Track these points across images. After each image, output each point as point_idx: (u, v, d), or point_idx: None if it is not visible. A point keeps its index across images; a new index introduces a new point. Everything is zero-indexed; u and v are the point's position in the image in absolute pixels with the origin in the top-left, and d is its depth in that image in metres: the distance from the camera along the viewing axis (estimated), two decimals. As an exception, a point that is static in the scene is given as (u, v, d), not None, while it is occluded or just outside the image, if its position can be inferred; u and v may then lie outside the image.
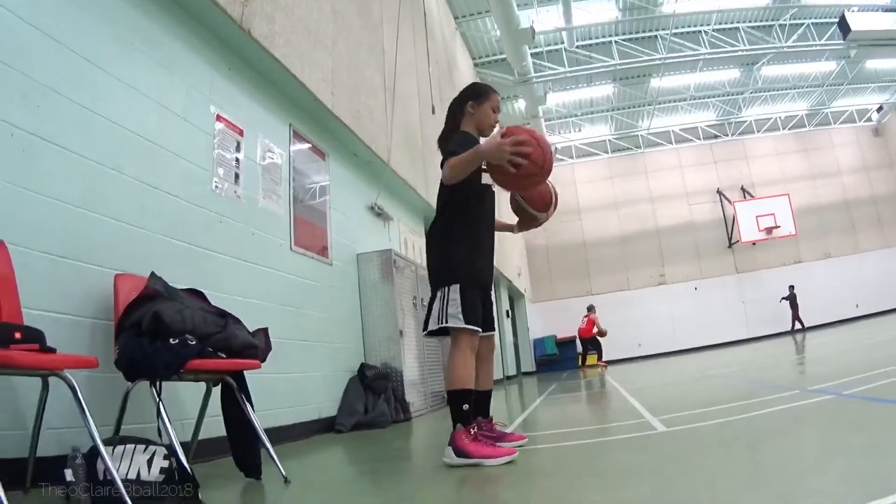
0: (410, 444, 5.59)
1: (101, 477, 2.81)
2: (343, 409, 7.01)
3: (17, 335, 2.77)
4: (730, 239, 25.41)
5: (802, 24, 19.16)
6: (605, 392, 9.42)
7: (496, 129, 4.14)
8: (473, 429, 3.75)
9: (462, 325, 3.80)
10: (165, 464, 2.97)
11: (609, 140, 26.59)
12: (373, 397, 7.31)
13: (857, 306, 23.70)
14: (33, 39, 3.61)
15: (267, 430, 5.22)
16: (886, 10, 18.21)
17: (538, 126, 21.50)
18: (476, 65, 19.06)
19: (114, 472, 2.77)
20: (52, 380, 2.97)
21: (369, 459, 4.83)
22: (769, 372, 8.06)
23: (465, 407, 3.76)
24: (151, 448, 3.02)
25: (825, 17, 19.14)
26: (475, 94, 4.28)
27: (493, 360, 4.33)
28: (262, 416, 5.20)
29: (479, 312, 3.95)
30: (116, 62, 4.28)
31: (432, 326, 3.93)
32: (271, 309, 5.89)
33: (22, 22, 3.53)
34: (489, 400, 4.27)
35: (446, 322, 3.83)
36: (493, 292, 4.42)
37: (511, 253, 21.12)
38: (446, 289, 3.90)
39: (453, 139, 4.04)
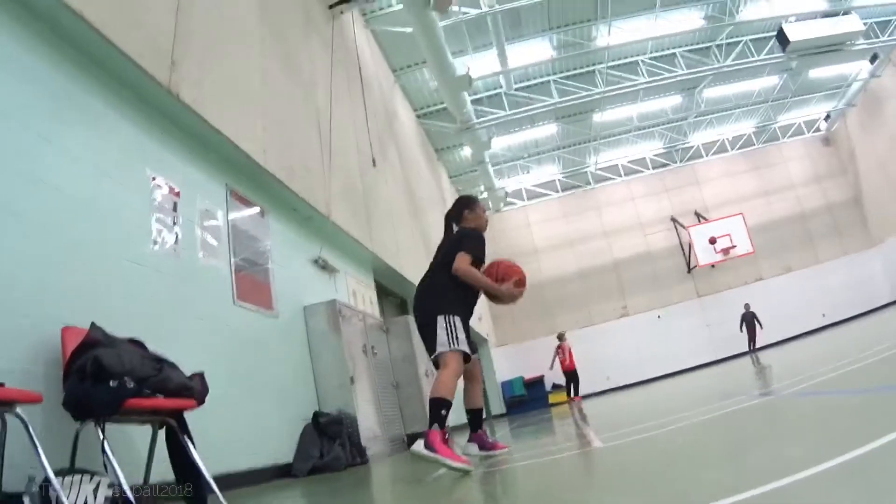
0: (362, 480, 5.85)
1: None
2: (299, 454, 7.17)
3: None
4: (688, 264, 25.86)
5: (740, 42, 19.50)
6: (564, 422, 9.65)
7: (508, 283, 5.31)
8: (446, 433, 4.54)
9: (466, 350, 4.85)
10: (109, 493, 3.22)
11: (559, 179, 27.05)
12: (328, 442, 7.47)
13: (823, 316, 24.04)
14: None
15: (223, 476, 5.48)
16: (825, 16, 18.44)
17: (485, 171, 21.93)
18: (418, 116, 19.39)
19: (64, 499, 3.01)
20: (9, 419, 3.22)
21: (318, 494, 5.13)
22: (724, 385, 8.36)
23: (444, 412, 4.58)
24: (97, 478, 3.29)
25: (762, 32, 19.42)
26: (468, 204, 5.68)
27: (480, 379, 5.61)
28: (218, 464, 5.45)
29: (469, 341, 4.96)
30: (55, 130, 4.62)
31: (442, 349, 4.82)
32: (217, 361, 6.05)
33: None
34: (482, 415, 5.54)
35: (458, 346, 4.80)
36: None
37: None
38: (451, 318, 4.90)
39: (476, 237, 5.32)
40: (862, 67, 22.97)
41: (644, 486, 2.42)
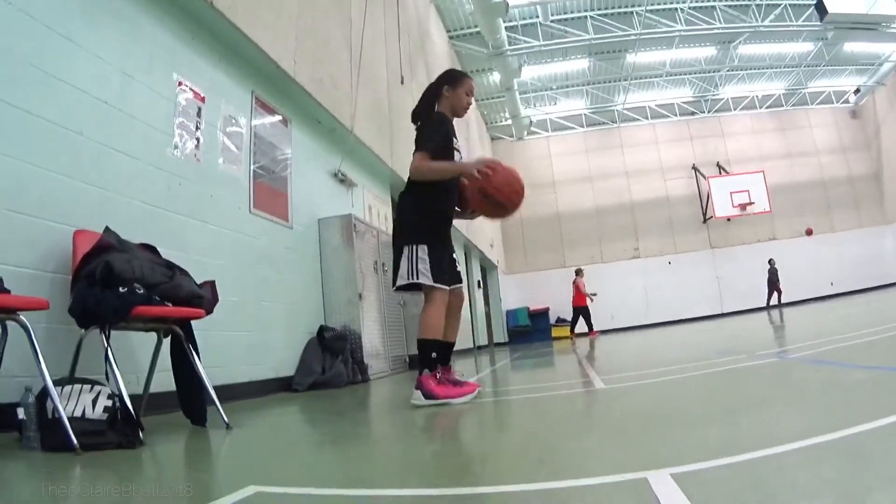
0: (360, 400, 5.82)
1: (49, 416, 3.05)
2: (300, 368, 7.25)
3: None
4: (704, 215, 25.65)
5: (780, 5, 19.19)
6: (565, 359, 9.69)
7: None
8: (438, 374, 4.31)
9: (431, 283, 4.30)
10: (109, 403, 3.21)
11: (585, 114, 26.65)
12: (330, 358, 7.53)
13: (832, 284, 24.11)
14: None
15: (223, 387, 5.53)
16: (866, -6, 18.04)
17: (512, 99, 21.65)
18: (451, 37, 19.06)
19: (61, 409, 2.99)
20: (10, 326, 3.20)
21: (314, 410, 5.14)
22: (728, 341, 8.35)
23: (433, 355, 4.31)
24: (97, 388, 3.26)
25: None
26: (451, 80, 4.71)
27: (460, 313, 4.75)
28: (218, 373, 5.52)
29: (445, 270, 4.43)
30: (81, 32, 4.48)
31: (401, 282, 4.37)
32: (228, 268, 6.11)
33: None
34: (451, 350, 4.71)
35: (416, 278, 4.29)
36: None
37: (483, 224, 21.29)
38: (414, 247, 4.34)
39: (430, 124, 4.52)
40: (895, 49, 22.66)
41: (622, 438, 2.42)
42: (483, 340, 21.70)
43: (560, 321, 24.25)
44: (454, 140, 4.58)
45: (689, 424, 2.52)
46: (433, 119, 4.58)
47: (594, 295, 19.78)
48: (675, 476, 1.60)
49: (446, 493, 1.80)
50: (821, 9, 17.63)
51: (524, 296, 25.36)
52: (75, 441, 2.93)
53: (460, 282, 4.67)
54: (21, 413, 3.07)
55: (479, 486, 1.85)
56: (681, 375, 4.68)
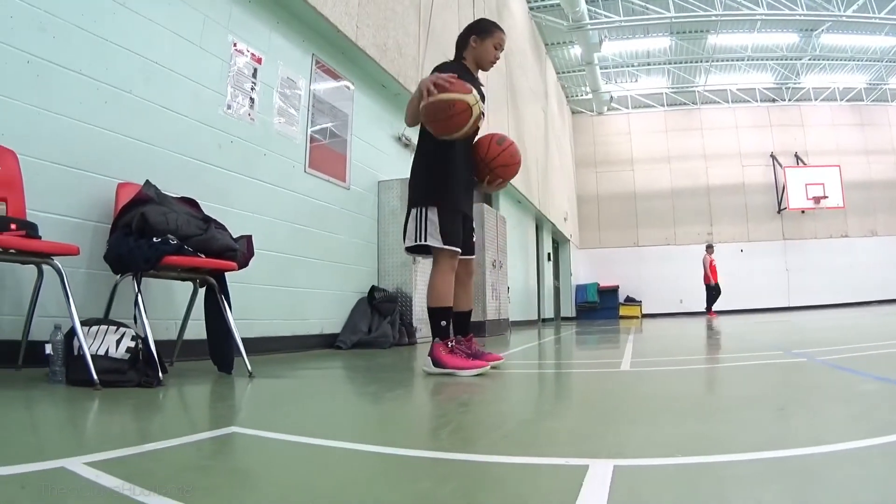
0: (399, 361, 5.83)
1: (75, 352, 3.31)
2: (347, 327, 7.44)
3: (13, 226, 3.27)
4: (779, 205, 24.93)
5: None
6: (615, 338, 9.67)
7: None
8: (450, 342, 4.19)
9: (440, 245, 4.13)
10: (132, 344, 3.43)
11: (665, 93, 26.05)
12: (378, 319, 7.68)
13: None
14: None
15: (265, 339, 5.78)
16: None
17: (592, 73, 21.40)
18: (531, 8, 18.83)
19: (85, 347, 3.24)
20: (46, 270, 3.48)
21: (345, 367, 5.24)
22: (772, 335, 8.21)
23: (443, 323, 4.19)
24: (122, 330, 3.49)
25: None
26: (479, 30, 4.53)
27: (471, 283, 4.64)
28: (261, 325, 5.76)
29: (459, 234, 4.23)
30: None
31: (408, 243, 4.27)
32: (280, 226, 6.33)
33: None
34: (469, 319, 4.58)
35: (425, 240, 4.14)
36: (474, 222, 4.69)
37: (558, 197, 21.22)
38: (423, 209, 4.18)
39: (433, 72, 4.19)
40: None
41: (601, 422, 2.43)
42: (549, 314, 21.68)
43: (629, 300, 24.13)
44: None
45: (673, 418, 2.50)
46: (441, 66, 4.34)
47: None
48: (617, 468, 1.60)
49: (404, 452, 1.88)
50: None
51: (595, 272, 25.22)
52: (96, 377, 3.16)
53: (472, 253, 4.52)
54: (49, 349, 3.34)
55: (437, 452, 1.90)
56: (705, 366, 4.67)
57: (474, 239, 4.59)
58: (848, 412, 2.45)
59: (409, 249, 4.35)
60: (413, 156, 4.47)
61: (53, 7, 4.03)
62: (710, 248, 20.35)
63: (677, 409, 2.72)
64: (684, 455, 1.73)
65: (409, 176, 4.46)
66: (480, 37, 4.48)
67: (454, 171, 4.28)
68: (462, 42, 4.55)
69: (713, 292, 19.85)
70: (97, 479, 1.49)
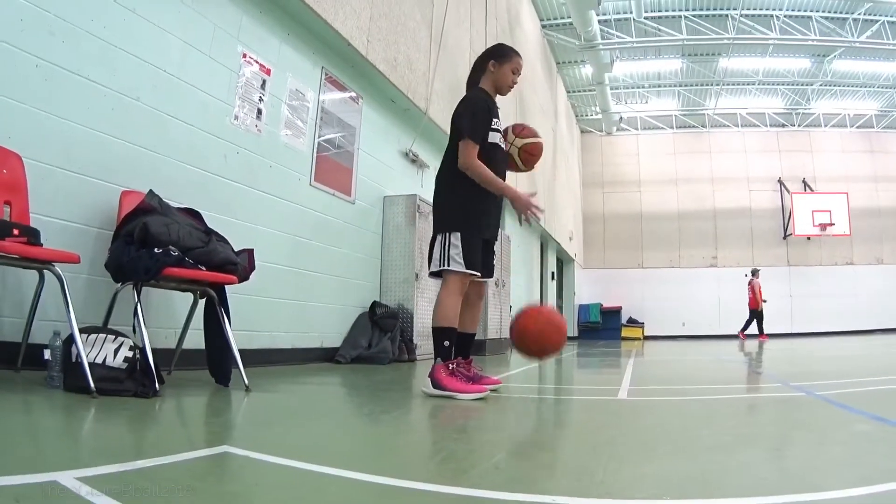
0: (397, 378, 5.81)
1: (73, 359, 3.31)
2: (347, 341, 7.42)
3: (16, 231, 3.28)
4: (785, 230, 24.81)
5: (878, 21, 18.28)
6: (616, 362, 9.66)
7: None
8: (452, 364, 4.17)
9: (463, 269, 4.15)
10: (130, 354, 3.43)
11: (675, 115, 26.03)
12: (379, 334, 7.67)
13: None
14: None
15: (265, 351, 5.78)
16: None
17: (603, 93, 21.44)
18: (544, 26, 18.87)
19: (83, 355, 3.25)
20: (48, 275, 3.50)
21: (343, 384, 5.24)
22: (773, 364, 8.19)
23: (446, 343, 4.15)
24: (120, 339, 3.49)
25: None
26: (498, 55, 4.56)
27: (480, 306, 4.68)
28: (261, 337, 5.76)
29: (478, 258, 4.26)
30: (144, 3, 4.71)
31: (434, 268, 4.29)
32: (283, 238, 6.34)
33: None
34: (471, 343, 4.58)
35: (448, 265, 4.16)
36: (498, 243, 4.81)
37: (564, 216, 21.21)
38: (447, 235, 4.21)
39: (469, 106, 4.34)
40: None
41: (589, 457, 2.42)
42: (551, 332, 21.59)
43: (631, 321, 24.09)
44: (495, 120, 4.39)
45: (665, 454, 2.48)
46: (472, 99, 4.40)
47: (765, 301, 19.91)
48: None
49: (393, 483, 1.86)
50: (920, 29, 16.74)
51: (598, 292, 25.13)
52: (92, 384, 3.17)
53: (490, 276, 4.55)
54: (47, 354, 3.36)
55: (427, 483, 1.87)
56: (702, 398, 4.59)
57: (494, 262, 4.64)
58: (842, 455, 2.43)
59: (433, 274, 4.39)
60: (438, 176, 4.51)
61: (63, 11, 4.04)
62: (756, 273, 20.49)
63: (670, 445, 2.70)
64: (671, 498, 1.72)
65: (433, 195, 4.51)
66: (499, 61, 4.51)
67: (482, 197, 4.32)
68: (480, 66, 4.58)
69: (758, 316, 19.94)
70: (88, 497, 1.49)
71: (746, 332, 20.04)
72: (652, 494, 1.78)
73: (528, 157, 4.70)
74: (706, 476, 2.07)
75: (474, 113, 4.28)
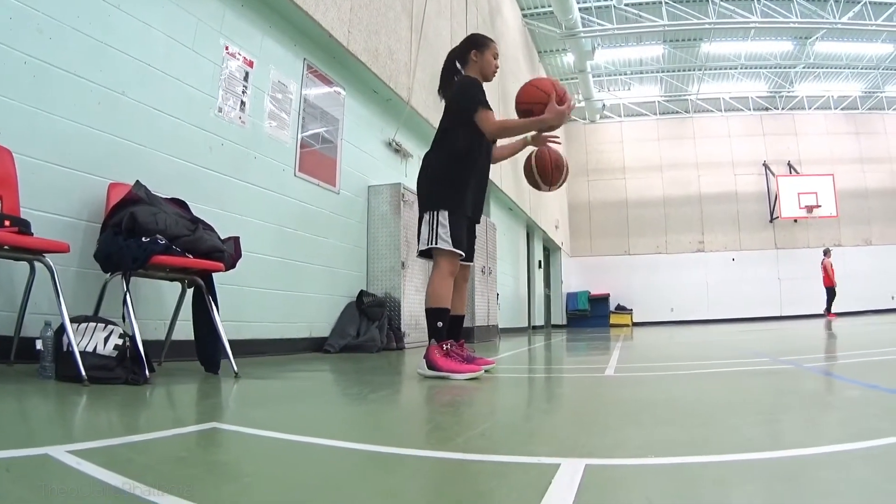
0: (386, 365, 5.83)
1: (64, 349, 3.36)
2: (335, 330, 7.47)
3: (7, 223, 3.34)
4: (771, 213, 24.97)
5: (859, 2, 18.34)
6: (605, 345, 9.72)
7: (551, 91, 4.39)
8: (446, 345, 4.22)
9: (450, 248, 4.22)
10: (119, 342, 3.48)
11: (658, 101, 26.14)
12: (367, 323, 7.72)
13: (892, 298, 23.17)
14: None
15: (253, 341, 5.81)
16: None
17: (585, 81, 21.48)
18: (525, 15, 18.94)
19: (74, 344, 3.31)
20: (38, 268, 3.55)
21: (332, 370, 5.27)
22: (759, 344, 8.24)
23: (440, 324, 4.22)
24: (110, 327, 3.54)
25: None
26: (477, 44, 4.64)
27: (466, 288, 4.76)
28: (250, 328, 5.80)
29: (464, 239, 4.35)
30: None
31: (422, 247, 4.34)
32: (270, 229, 6.38)
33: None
34: (461, 324, 4.64)
35: (436, 244, 4.23)
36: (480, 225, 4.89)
37: (549, 205, 21.26)
38: (435, 213, 4.29)
39: (470, 87, 4.41)
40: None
41: (579, 423, 2.47)
42: (540, 321, 21.72)
43: (620, 308, 24.20)
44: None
45: (651, 421, 2.50)
46: (470, 82, 4.45)
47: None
48: (589, 467, 1.61)
49: (380, 449, 1.92)
50: (902, 8, 16.76)
51: (586, 280, 25.23)
52: (84, 373, 3.24)
53: (471, 260, 4.62)
54: (39, 344, 3.41)
55: (413, 449, 1.94)
56: (688, 372, 4.65)
57: (475, 246, 4.72)
58: (832, 417, 2.49)
59: (422, 253, 4.44)
60: (424, 160, 4.59)
61: (51, 9, 4.10)
62: (828, 253, 20.77)
63: (655, 413, 2.74)
64: (657, 456, 1.76)
65: (417, 181, 4.59)
66: (480, 50, 4.61)
67: (469, 179, 4.45)
68: (463, 59, 4.66)
69: (832, 294, 20.34)
70: (78, 466, 1.54)
71: (832, 310, 20.42)
72: (635, 454, 1.81)
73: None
74: (692, 438, 2.10)
75: (477, 87, 4.39)
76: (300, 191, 6.97)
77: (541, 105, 4.27)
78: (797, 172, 24.90)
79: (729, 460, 1.69)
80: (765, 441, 2.02)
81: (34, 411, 2.62)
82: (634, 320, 23.71)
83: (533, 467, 1.66)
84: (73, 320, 3.44)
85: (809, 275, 22.79)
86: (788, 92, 25.18)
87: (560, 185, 4.96)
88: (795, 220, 24.52)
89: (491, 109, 4.30)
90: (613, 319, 23.71)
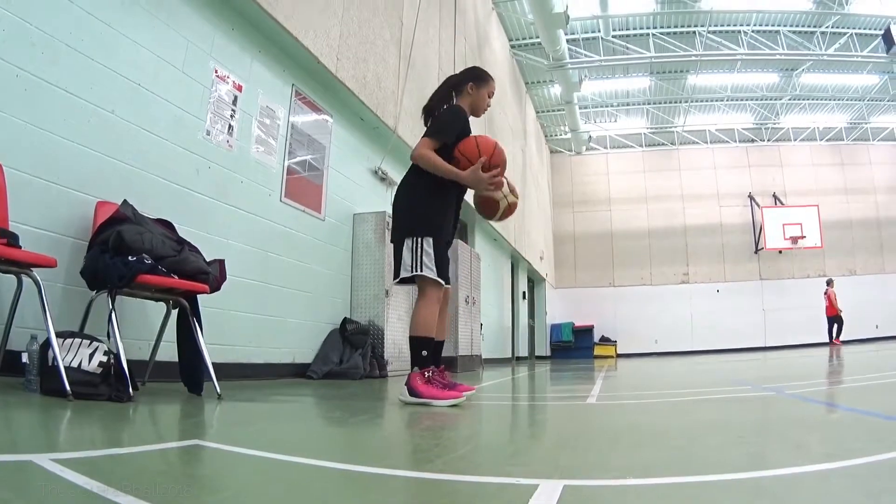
0: (369, 392, 5.81)
1: (50, 363, 3.37)
2: (318, 357, 7.44)
3: None
4: (756, 245, 25.13)
5: (845, 34, 18.62)
6: (588, 375, 9.73)
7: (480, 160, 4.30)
8: (428, 373, 4.20)
9: (434, 276, 4.19)
10: (104, 359, 3.51)
11: (644, 133, 26.35)
12: (350, 350, 7.69)
13: (876, 327, 23.18)
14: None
15: (236, 365, 5.81)
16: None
17: (572, 112, 21.64)
18: (513, 46, 19.09)
19: (59, 358, 3.32)
20: (25, 282, 3.55)
21: (315, 395, 5.27)
22: (742, 374, 8.28)
23: (425, 353, 4.20)
24: (95, 344, 3.57)
25: (869, 28, 18.53)
26: (477, 78, 4.67)
27: (447, 312, 4.72)
28: (233, 351, 5.77)
29: (447, 266, 4.32)
30: (121, 19, 4.80)
31: (404, 274, 4.26)
32: (255, 253, 6.39)
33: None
34: (441, 349, 4.61)
35: (421, 271, 4.17)
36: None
37: (534, 236, 21.34)
38: (419, 240, 4.22)
39: (450, 116, 4.42)
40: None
41: (558, 446, 2.48)
42: (524, 352, 21.72)
43: (604, 340, 24.20)
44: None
45: (631, 444, 2.53)
46: (454, 111, 4.46)
47: (841, 311, 20.66)
48: (567, 487, 1.63)
49: (359, 469, 1.93)
50: (888, 40, 17.11)
51: (570, 311, 25.24)
52: (68, 388, 3.24)
53: (449, 283, 4.47)
54: (24, 357, 3.43)
55: (391, 469, 1.95)
56: (669, 400, 4.69)
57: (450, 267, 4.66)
58: (812, 438, 2.52)
59: (402, 280, 4.37)
60: (404, 182, 4.56)
61: (44, 24, 4.13)
62: (831, 283, 21.15)
63: (637, 437, 2.77)
64: (636, 477, 1.77)
65: (395, 203, 4.55)
66: (477, 84, 4.62)
67: (447, 203, 4.45)
68: (458, 87, 4.64)
69: (838, 322, 20.68)
70: (61, 474, 1.56)
71: (840, 337, 20.74)
72: (615, 475, 1.83)
73: (508, 213, 4.77)
74: (672, 459, 2.13)
75: (453, 121, 4.39)
76: (286, 216, 6.98)
77: (467, 161, 4.29)
78: (782, 203, 25.07)
79: (709, 480, 1.71)
80: (745, 461, 2.05)
81: (19, 421, 2.63)
82: (619, 352, 23.67)
83: (511, 487, 1.67)
84: (58, 335, 3.44)
85: (794, 305, 22.99)
86: (774, 123, 25.44)
87: (500, 219, 4.85)
88: (780, 251, 24.63)
89: (442, 143, 4.30)
90: (598, 351, 23.67)
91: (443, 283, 4.28)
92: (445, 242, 4.42)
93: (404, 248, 4.28)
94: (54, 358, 3.31)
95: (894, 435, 2.49)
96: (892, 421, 2.89)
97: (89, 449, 1.93)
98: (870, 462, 1.88)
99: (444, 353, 4.70)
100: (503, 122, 16.67)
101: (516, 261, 19.90)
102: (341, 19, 7.64)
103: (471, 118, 4.64)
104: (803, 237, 23.98)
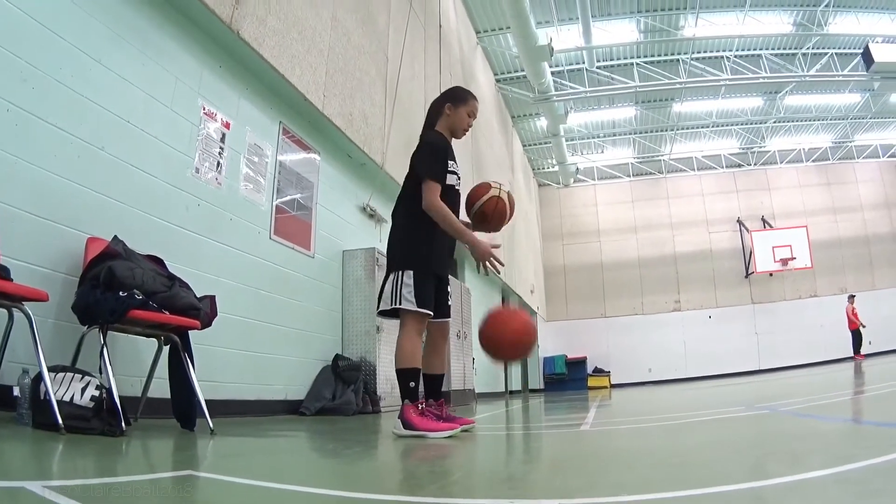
0: (362, 427, 5.81)
1: (42, 397, 3.36)
2: (311, 394, 7.41)
3: None
4: (747, 269, 25.22)
5: (826, 54, 18.90)
6: (582, 405, 9.72)
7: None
8: (420, 404, 4.17)
9: (414, 308, 4.12)
10: (96, 393, 3.49)
11: (631, 163, 26.53)
12: (342, 386, 7.66)
13: (869, 343, 23.03)
14: (34, 30, 4.21)
15: (229, 402, 5.78)
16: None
17: (559, 145, 21.78)
18: (498, 80, 19.28)
19: (51, 393, 3.31)
20: (16, 317, 3.56)
21: (308, 430, 5.26)
22: (735, 396, 8.30)
23: (412, 384, 4.15)
24: (87, 378, 3.56)
25: (849, 48, 19.10)
26: (454, 97, 4.61)
27: (444, 346, 4.68)
28: (225, 388, 5.77)
29: (431, 297, 4.23)
30: (109, 55, 4.85)
31: (384, 306, 4.25)
32: (245, 291, 6.38)
33: (24, 14, 4.13)
34: (441, 383, 4.57)
35: (399, 304, 4.14)
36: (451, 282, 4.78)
37: (525, 270, 21.36)
38: (400, 273, 4.20)
39: (429, 148, 4.39)
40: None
41: (553, 470, 2.49)
42: (517, 386, 21.64)
43: (597, 371, 24.14)
44: (452, 163, 4.43)
45: (625, 464, 2.53)
46: (432, 142, 4.44)
47: (863, 326, 20.76)
48: None
49: (351, 495, 1.93)
50: (867, 58, 17.36)
51: (562, 343, 25.14)
52: (61, 422, 3.23)
53: (448, 316, 4.51)
54: (16, 391, 3.44)
55: (383, 494, 1.95)
56: (664, 423, 4.70)
57: (450, 302, 4.58)
58: (806, 448, 2.54)
59: (383, 313, 4.35)
60: (392, 217, 4.55)
61: (35, 59, 4.16)
62: (851, 299, 21.27)
63: (632, 457, 2.78)
64: (629, 494, 1.77)
65: (385, 244, 4.55)
66: (455, 104, 4.56)
67: (436, 236, 4.31)
68: (436, 110, 4.62)
69: (858, 337, 20.78)
70: (55, 500, 1.55)
71: (860, 352, 20.82)
72: (610, 493, 1.83)
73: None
74: (669, 476, 2.13)
75: (434, 154, 4.34)
76: (275, 254, 6.99)
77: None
78: (771, 226, 25.22)
79: (708, 493, 1.71)
80: (744, 473, 2.05)
81: (10, 452, 2.63)
82: (612, 382, 23.60)
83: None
84: (50, 370, 3.43)
85: (787, 327, 23.02)
86: (760, 147, 25.71)
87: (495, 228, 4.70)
88: (771, 274, 24.73)
89: (439, 181, 4.27)
90: (591, 382, 23.58)
91: (425, 312, 4.20)
92: (435, 275, 4.36)
93: (387, 282, 4.28)
94: (46, 392, 3.30)
95: (888, 440, 2.52)
96: (886, 427, 2.92)
97: (82, 477, 1.93)
98: (866, 466, 1.90)
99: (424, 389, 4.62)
100: (489, 156, 16.77)
101: (507, 294, 19.88)
102: (327, 57, 7.71)
103: (454, 147, 4.62)
104: (793, 258, 24.09)
